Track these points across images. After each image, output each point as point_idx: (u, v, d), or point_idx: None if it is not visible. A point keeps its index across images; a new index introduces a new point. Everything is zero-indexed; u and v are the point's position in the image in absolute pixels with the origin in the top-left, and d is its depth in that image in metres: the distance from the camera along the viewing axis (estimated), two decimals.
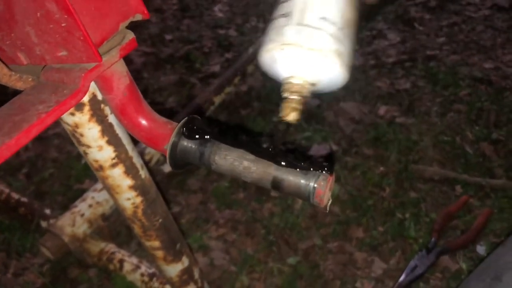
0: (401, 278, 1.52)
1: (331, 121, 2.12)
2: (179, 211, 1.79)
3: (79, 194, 1.69)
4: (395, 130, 2.04)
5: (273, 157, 0.67)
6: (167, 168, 1.87)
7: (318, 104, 2.21)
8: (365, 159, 1.93)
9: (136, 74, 2.47)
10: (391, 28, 2.77)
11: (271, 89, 2.32)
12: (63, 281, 1.59)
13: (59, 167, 1.99)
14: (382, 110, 2.17)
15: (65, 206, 1.67)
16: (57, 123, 2.18)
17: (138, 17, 0.68)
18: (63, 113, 0.61)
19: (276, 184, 0.67)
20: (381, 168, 1.89)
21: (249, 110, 2.23)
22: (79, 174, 1.93)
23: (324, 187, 0.64)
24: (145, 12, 0.68)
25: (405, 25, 2.79)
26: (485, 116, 2.10)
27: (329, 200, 0.66)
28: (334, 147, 1.99)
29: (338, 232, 1.68)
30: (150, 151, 1.75)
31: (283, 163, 0.66)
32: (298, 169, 0.66)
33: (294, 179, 0.66)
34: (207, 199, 1.82)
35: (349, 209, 1.75)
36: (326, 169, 0.65)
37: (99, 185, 1.64)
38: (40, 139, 2.14)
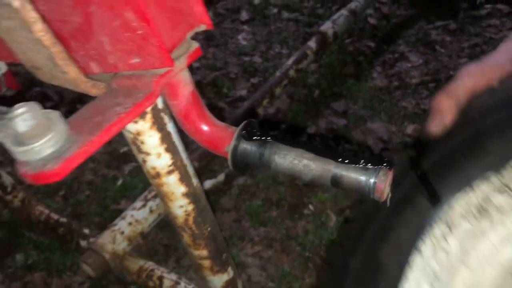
0: None
1: (359, 140, 2.14)
2: None
3: (116, 214, 1.72)
4: None
5: (332, 155, 0.71)
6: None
7: (345, 124, 2.25)
8: None
9: None
10: (412, 51, 2.82)
11: (297, 112, 2.37)
12: None
13: (94, 189, 2.04)
14: (409, 129, 2.19)
15: (102, 226, 1.71)
16: None
17: (202, 27, 0.73)
18: (139, 114, 0.65)
19: (336, 181, 0.70)
20: None
21: (276, 132, 2.27)
22: (115, 196, 1.97)
23: (385, 182, 0.67)
24: (209, 22, 0.72)
25: (426, 47, 2.83)
26: None
27: (388, 194, 0.69)
28: None
29: None
30: None
31: (342, 160, 0.70)
32: (357, 166, 0.69)
33: (355, 175, 0.69)
34: (241, 217, 1.84)
35: None
36: (385, 164, 0.68)
37: (138, 204, 1.67)
38: None
